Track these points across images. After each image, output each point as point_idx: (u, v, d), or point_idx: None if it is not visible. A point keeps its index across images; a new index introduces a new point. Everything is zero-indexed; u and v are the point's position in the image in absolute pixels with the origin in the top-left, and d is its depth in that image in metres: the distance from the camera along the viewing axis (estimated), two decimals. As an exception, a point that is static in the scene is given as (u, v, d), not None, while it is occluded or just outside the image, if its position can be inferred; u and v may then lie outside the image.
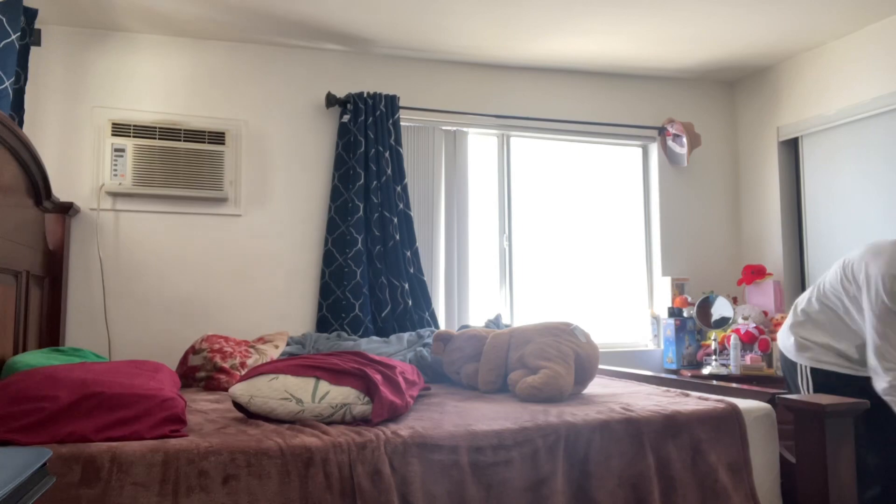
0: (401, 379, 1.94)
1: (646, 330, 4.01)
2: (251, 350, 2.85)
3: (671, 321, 3.79)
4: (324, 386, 1.78)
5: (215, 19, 3.18)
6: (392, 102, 3.50)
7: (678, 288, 3.90)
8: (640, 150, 4.12)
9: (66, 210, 3.01)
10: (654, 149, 4.05)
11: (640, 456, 1.80)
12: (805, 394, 2.32)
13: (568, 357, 2.30)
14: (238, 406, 1.82)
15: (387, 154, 3.46)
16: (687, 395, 2.20)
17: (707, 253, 4.07)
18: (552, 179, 3.95)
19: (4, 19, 2.38)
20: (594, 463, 1.76)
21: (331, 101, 3.46)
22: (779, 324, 3.61)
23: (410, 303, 3.40)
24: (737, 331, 3.58)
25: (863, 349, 2.23)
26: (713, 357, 3.56)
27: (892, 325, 2.10)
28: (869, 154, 3.37)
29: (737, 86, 4.20)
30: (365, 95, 3.46)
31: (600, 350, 3.60)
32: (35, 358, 2.11)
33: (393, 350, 3.05)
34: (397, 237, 3.42)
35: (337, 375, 1.81)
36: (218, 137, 3.29)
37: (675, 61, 3.80)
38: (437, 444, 1.64)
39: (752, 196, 4.05)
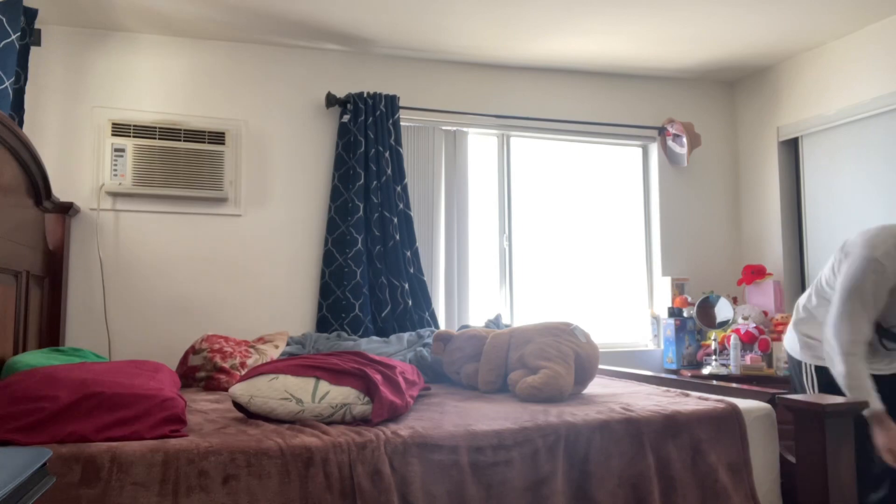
0: (401, 379, 1.94)
1: (646, 330, 4.01)
2: (251, 350, 2.85)
3: (671, 321, 3.79)
4: (324, 386, 1.78)
5: (215, 19, 3.18)
6: (392, 102, 3.50)
7: (678, 288, 3.90)
8: (640, 150, 4.12)
9: (66, 210, 3.01)
10: (654, 149, 4.05)
11: (640, 456, 1.80)
12: (811, 393, 2.29)
13: (568, 357, 2.30)
14: (238, 406, 1.82)
15: (387, 154, 3.46)
16: (687, 395, 2.20)
17: (707, 253, 4.07)
18: (552, 179, 3.95)
19: (4, 19, 2.38)
20: (594, 463, 1.76)
21: (331, 101, 3.46)
22: (779, 324, 3.61)
23: (410, 303, 3.40)
24: (737, 331, 3.58)
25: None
26: (713, 357, 3.56)
27: (856, 307, 2.06)
28: (869, 154, 3.37)
29: (737, 86, 4.20)
30: (365, 95, 3.46)
31: (600, 350, 3.60)
32: (35, 358, 2.11)
33: (393, 350, 3.05)
34: (397, 237, 3.42)
35: (337, 375, 1.81)
36: (218, 137, 3.29)
37: (675, 61, 3.80)
38: (437, 444, 1.64)
39: (752, 196, 4.05)
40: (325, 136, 3.54)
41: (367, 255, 3.40)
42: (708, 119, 4.18)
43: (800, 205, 3.80)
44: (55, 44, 3.20)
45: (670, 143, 4.00)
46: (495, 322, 3.29)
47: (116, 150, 3.15)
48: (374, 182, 3.42)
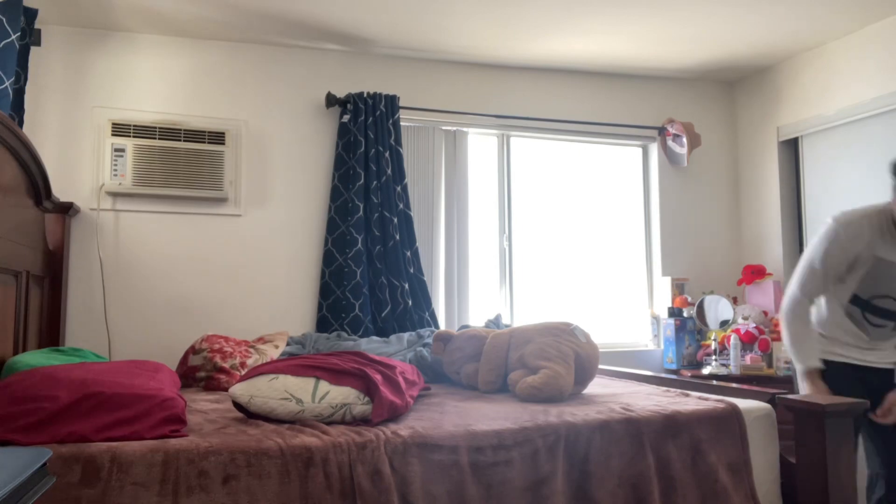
0: (401, 379, 1.94)
1: (646, 330, 4.01)
2: (251, 350, 2.85)
3: (671, 321, 3.79)
4: (324, 386, 1.78)
5: (215, 19, 3.18)
6: (392, 102, 3.50)
7: (678, 288, 3.90)
8: (640, 150, 4.12)
9: (66, 210, 3.01)
10: (654, 149, 4.05)
11: (640, 456, 1.80)
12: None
13: (568, 357, 2.30)
14: (238, 406, 1.82)
15: (387, 154, 3.46)
16: (687, 395, 2.20)
17: (707, 253, 4.07)
18: (552, 179, 3.95)
19: (4, 19, 2.38)
20: (594, 463, 1.75)
21: (331, 101, 3.46)
22: (779, 324, 3.61)
23: (410, 303, 3.40)
24: (737, 331, 3.58)
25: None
26: (713, 357, 3.56)
27: (805, 272, 2.19)
28: (869, 154, 3.37)
29: (737, 86, 4.20)
30: (365, 95, 3.46)
31: (600, 350, 3.61)
32: (35, 358, 2.11)
33: (393, 350, 3.05)
34: (397, 237, 3.42)
35: (337, 375, 1.81)
36: (218, 137, 3.29)
37: (675, 61, 3.80)
38: (437, 444, 1.64)
39: (752, 196, 4.05)
40: (325, 136, 3.54)
41: (366, 255, 3.40)
42: (708, 119, 4.18)
43: (800, 205, 3.80)
44: (55, 44, 3.20)
45: (670, 143, 4.00)
46: (495, 322, 3.29)
47: (116, 150, 3.15)
48: (374, 182, 3.42)
